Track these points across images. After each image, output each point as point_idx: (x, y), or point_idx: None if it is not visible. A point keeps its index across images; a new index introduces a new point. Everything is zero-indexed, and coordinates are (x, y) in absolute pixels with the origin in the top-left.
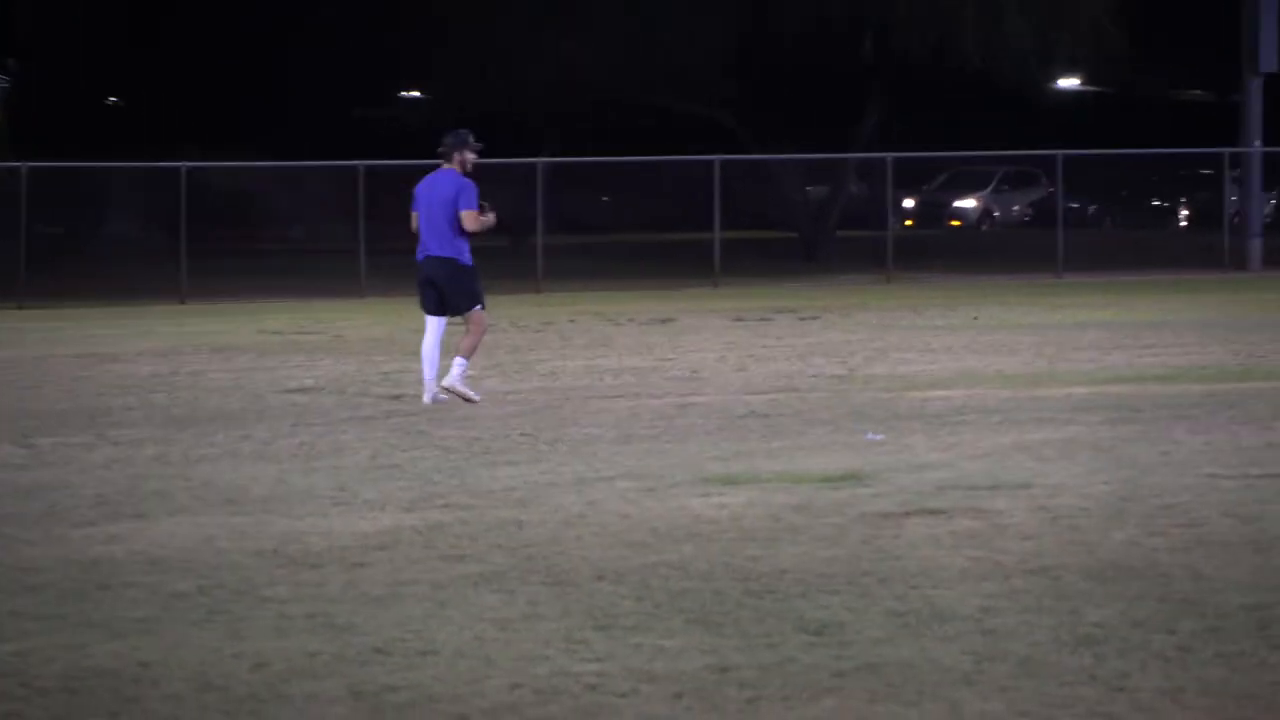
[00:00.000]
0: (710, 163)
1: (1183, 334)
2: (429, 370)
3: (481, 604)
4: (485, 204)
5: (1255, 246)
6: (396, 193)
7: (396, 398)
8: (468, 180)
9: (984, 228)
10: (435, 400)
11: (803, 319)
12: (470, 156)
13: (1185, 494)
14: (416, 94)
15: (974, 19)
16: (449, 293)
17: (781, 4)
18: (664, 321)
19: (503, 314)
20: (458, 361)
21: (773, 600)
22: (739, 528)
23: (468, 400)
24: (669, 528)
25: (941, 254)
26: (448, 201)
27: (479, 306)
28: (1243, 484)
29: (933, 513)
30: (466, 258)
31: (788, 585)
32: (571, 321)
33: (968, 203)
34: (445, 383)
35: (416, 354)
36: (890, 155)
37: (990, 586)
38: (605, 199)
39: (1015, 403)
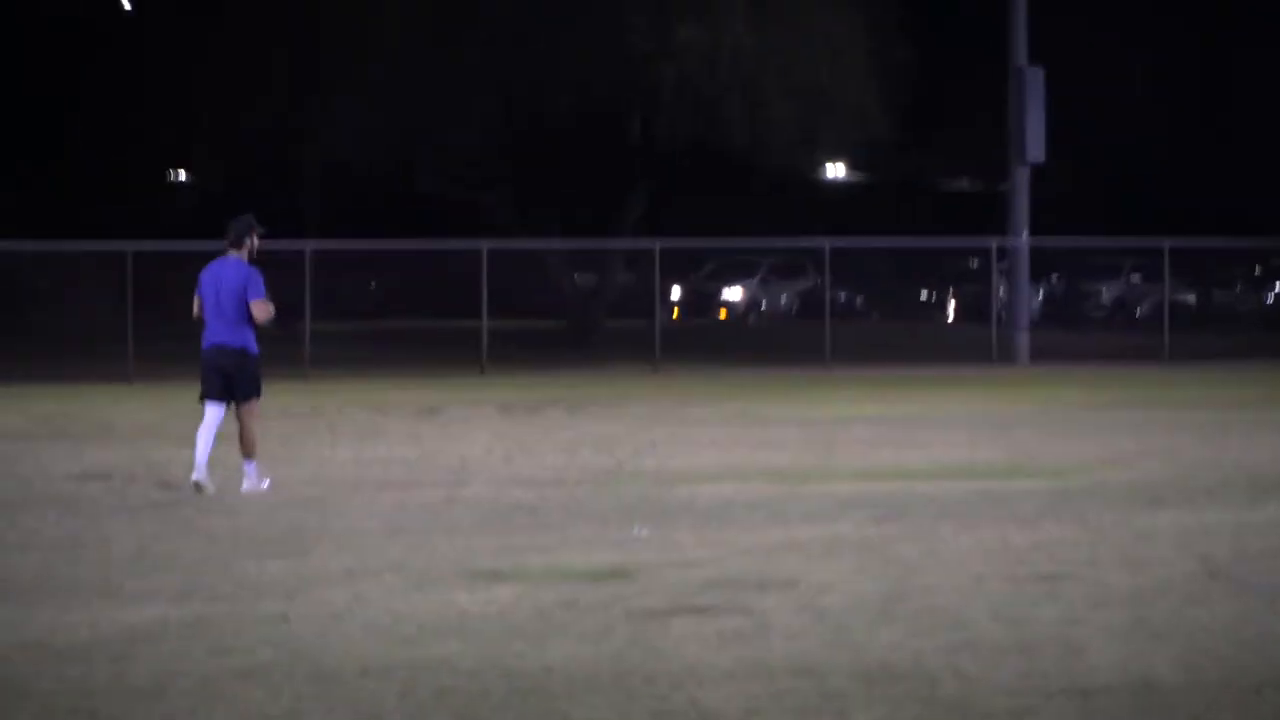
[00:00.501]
0: (478, 249)
1: (951, 430)
2: (202, 454)
3: (247, 698)
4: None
5: (1023, 340)
6: (166, 276)
7: (164, 487)
8: (254, 268)
9: (751, 319)
10: (200, 485)
11: (571, 410)
12: (256, 243)
13: (953, 594)
14: (183, 176)
15: (739, 106)
16: (238, 381)
17: (549, 91)
18: (431, 411)
19: (271, 402)
20: (249, 467)
21: (538, 699)
22: (506, 623)
23: (261, 489)
24: (436, 623)
25: (709, 345)
26: (236, 290)
27: (257, 397)
28: (1010, 585)
29: (699, 610)
30: (254, 346)
31: (553, 684)
32: (339, 410)
33: (735, 293)
34: (244, 490)
35: (185, 442)
36: (658, 243)
37: (756, 687)
38: (373, 285)
39: (783, 499)
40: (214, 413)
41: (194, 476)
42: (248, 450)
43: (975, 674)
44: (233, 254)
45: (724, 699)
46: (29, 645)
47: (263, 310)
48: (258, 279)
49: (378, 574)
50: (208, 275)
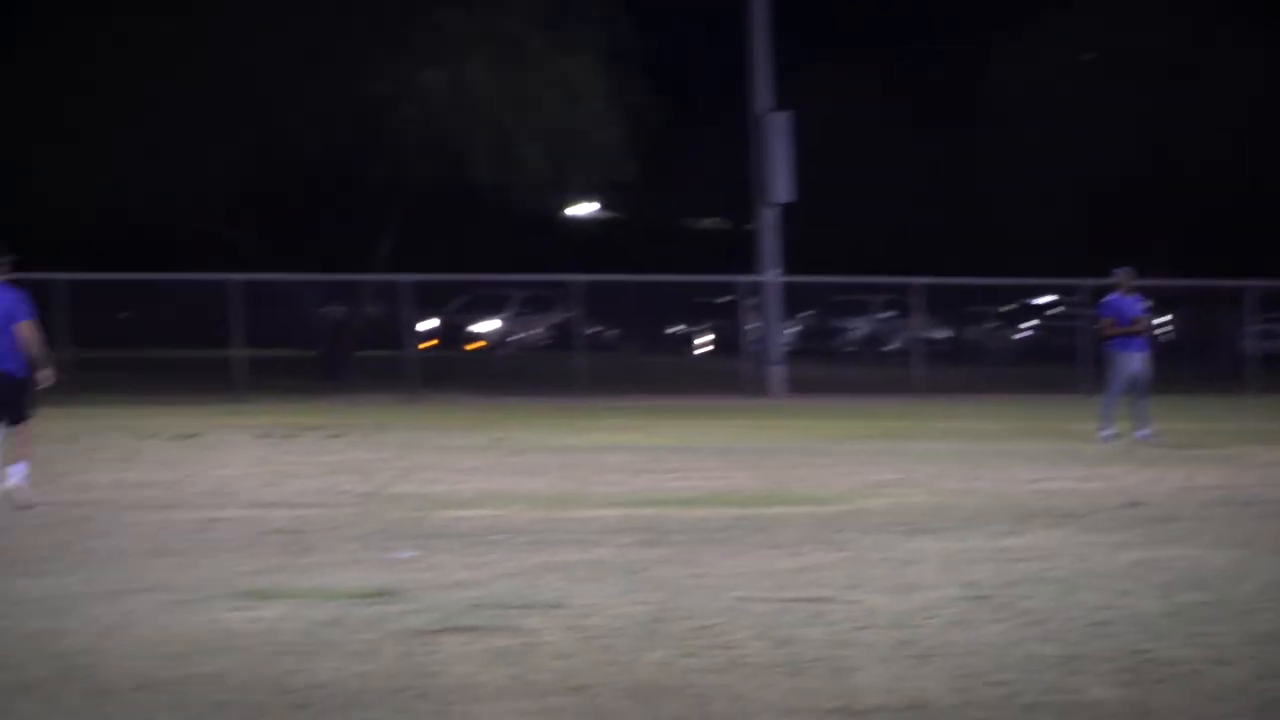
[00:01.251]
0: (224, 282)
1: (707, 459)
2: None
3: (21, 713)
4: None
5: (776, 373)
6: None
7: None
8: (18, 292)
9: (502, 351)
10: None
11: (329, 436)
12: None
13: (718, 616)
14: None
15: (485, 146)
16: (14, 403)
17: (296, 133)
18: (189, 437)
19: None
20: (20, 470)
21: (312, 713)
22: (274, 641)
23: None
24: (205, 640)
25: (465, 375)
26: (8, 316)
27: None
28: (776, 607)
29: (466, 630)
30: (26, 369)
31: (326, 699)
32: (97, 435)
33: (488, 325)
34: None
35: None
36: (407, 277)
37: (527, 704)
38: (124, 315)
39: (544, 524)
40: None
41: None
42: (25, 457)
43: (746, 692)
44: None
45: (497, 715)
46: None
47: (32, 330)
48: (25, 303)
49: (144, 592)
50: None
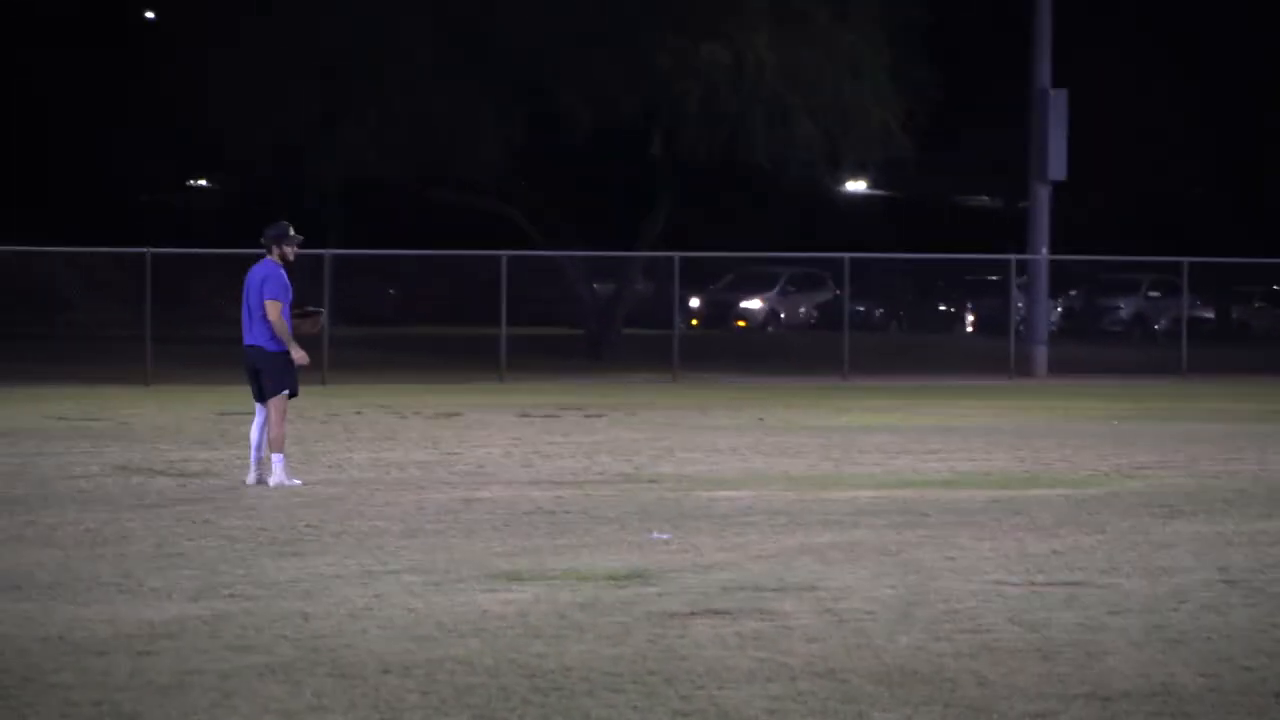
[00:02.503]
0: (498, 258)
1: (969, 439)
2: (253, 453)
3: (268, 695)
4: (310, 308)
5: (1040, 353)
6: (183, 279)
7: (183, 485)
8: (276, 269)
9: (770, 329)
10: (259, 481)
11: (589, 416)
12: (289, 250)
13: (971, 600)
14: (204, 182)
15: (763, 121)
16: (263, 378)
17: (572, 101)
18: (450, 415)
19: (289, 404)
20: (275, 459)
21: (558, 697)
22: (525, 624)
23: (294, 486)
24: (455, 622)
25: (727, 354)
26: (259, 291)
27: (284, 392)
28: (1028, 591)
29: (719, 613)
30: (275, 344)
31: (573, 683)
32: (358, 414)
33: (754, 303)
34: (273, 483)
35: (201, 442)
36: (677, 254)
37: (776, 688)
38: (392, 291)
39: (801, 505)
40: (258, 411)
41: (249, 478)
42: (274, 445)
43: (995, 678)
44: (267, 258)
45: (745, 700)
46: (50, 640)
47: (273, 310)
48: (274, 279)
49: (396, 574)
50: (249, 278)
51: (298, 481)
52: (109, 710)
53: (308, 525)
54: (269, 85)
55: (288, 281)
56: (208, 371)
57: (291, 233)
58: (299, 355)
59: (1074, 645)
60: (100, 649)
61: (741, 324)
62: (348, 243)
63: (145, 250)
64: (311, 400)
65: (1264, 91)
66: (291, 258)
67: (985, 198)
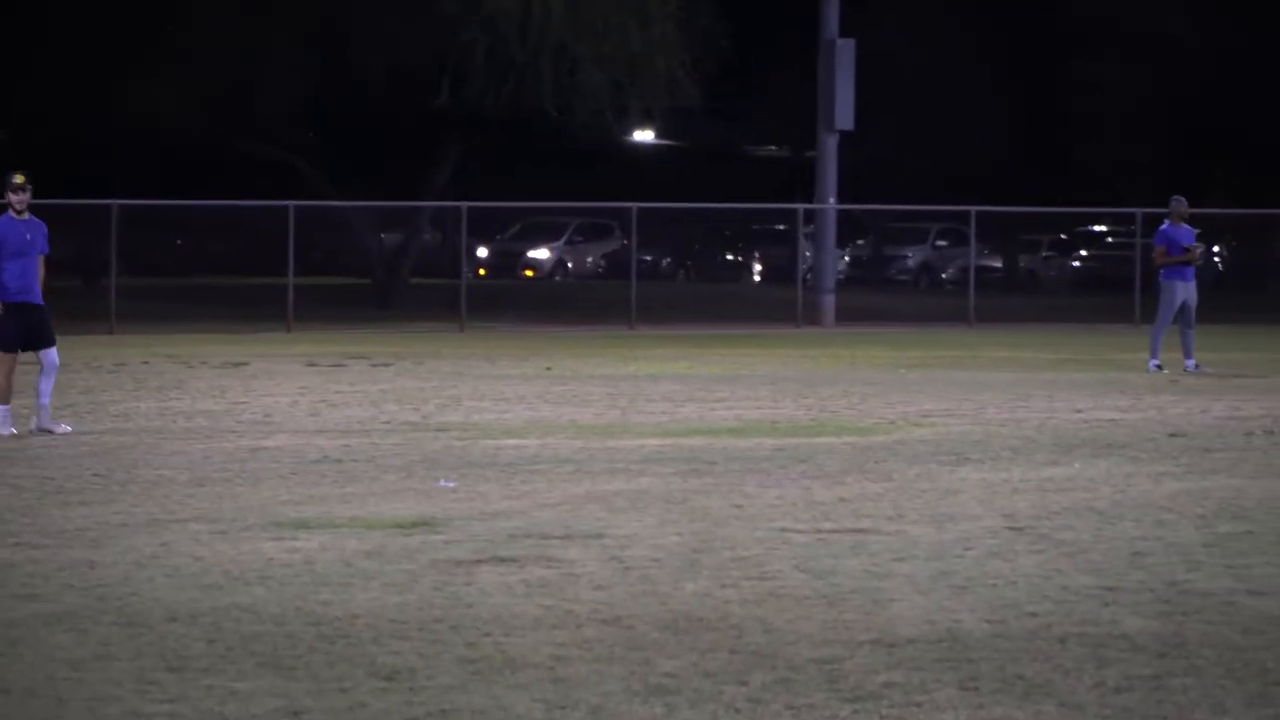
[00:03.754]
0: (285, 208)
1: (755, 388)
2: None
3: (53, 643)
4: None
5: (828, 302)
6: None
7: None
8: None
9: (558, 278)
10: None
11: (376, 365)
12: (15, 199)
13: (757, 547)
14: None
15: (549, 69)
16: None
17: (359, 49)
18: (237, 365)
19: (75, 355)
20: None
21: (345, 645)
22: (311, 572)
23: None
24: (241, 570)
25: (515, 304)
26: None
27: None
28: (815, 538)
29: (505, 561)
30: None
31: (360, 630)
32: (145, 363)
33: (541, 253)
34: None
35: None
36: (465, 204)
37: (562, 635)
38: (179, 241)
39: (588, 453)
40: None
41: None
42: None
43: (781, 624)
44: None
45: (531, 646)
46: None
47: None
48: None
49: (183, 522)
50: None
51: (63, 427)
52: None
53: (94, 474)
54: (61, 35)
55: (9, 232)
56: None
57: (18, 180)
58: None
59: (860, 592)
60: None
61: (529, 273)
62: (136, 193)
63: None
64: (99, 349)
65: (1057, 42)
66: (20, 207)
67: (773, 147)
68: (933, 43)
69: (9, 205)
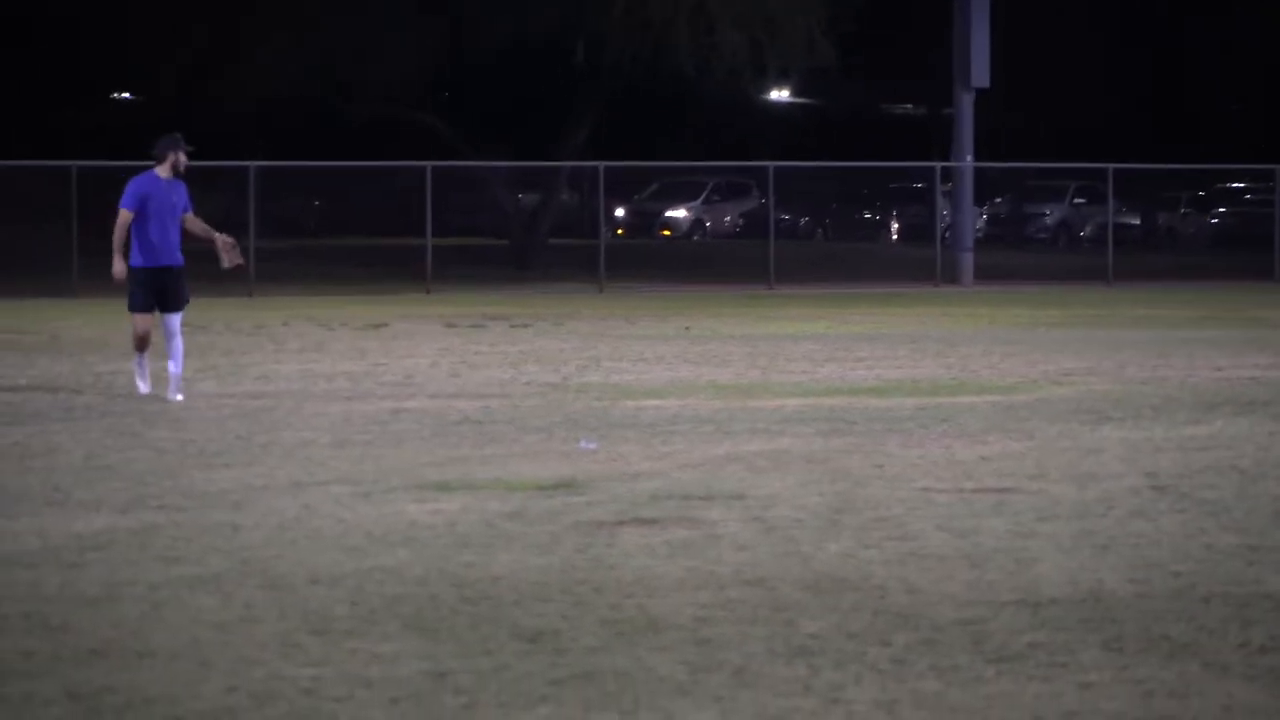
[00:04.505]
0: (422, 169)
1: (895, 347)
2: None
3: (197, 606)
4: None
5: (967, 261)
6: (107, 193)
7: (111, 399)
8: (141, 180)
9: (695, 238)
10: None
11: (515, 326)
12: (182, 159)
13: (899, 507)
14: (127, 95)
15: (687, 29)
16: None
17: (493, 11)
18: (377, 327)
19: (216, 316)
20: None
21: (488, 607)
22: (454, 534)
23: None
24: (384, 533)
25: (653, 264)
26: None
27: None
28: (956, 498)
29: (647, 522)
30: (135, 258)
31: (502, 592)
32: (284, 325)
33: (679, 212)
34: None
35: (129, 355)
36: (602, 164)
37: (705, 596)
38: (318, 203)
39: (728, 413)
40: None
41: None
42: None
43: (924, 585)
44: (150, 170)
45: (673, 608)
46: None
47: (119, 217)
48: (128, 191)
49: (325, 485)
50: (158, 190)
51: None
52: (38, 622)
53: (236, 436)
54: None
55: (145, 190)
56: None
57: (183, 143)
58: (116, 268)
59: (1003, 552)
60: (29, 561)
61: (667, 233)
62: (272, 155)
63: (71, 164)
64: (238, 312)
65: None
66: (183, 168)
67: (910, 106)
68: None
69: (174, 165)
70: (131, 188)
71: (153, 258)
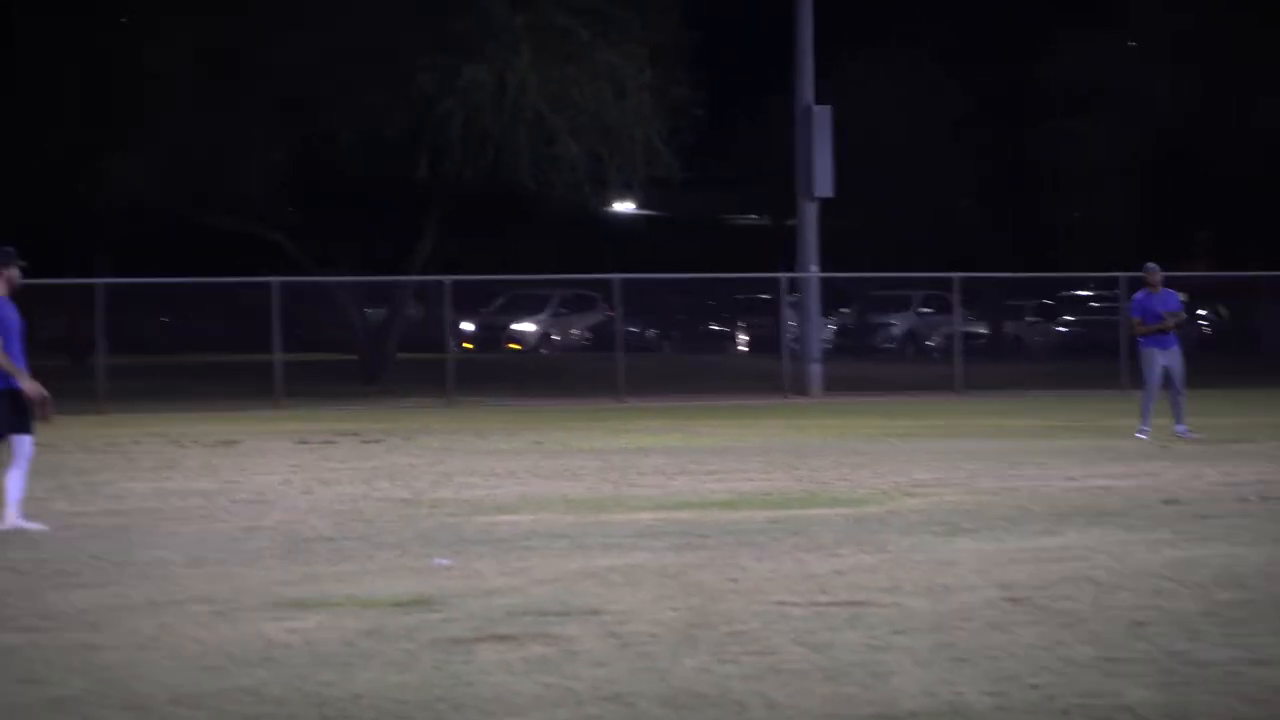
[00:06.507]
0: (268, 284)
1: (746, 459)
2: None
3: None
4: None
5: (815, 371)
6: None
7: None
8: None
9: (543, 351)
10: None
11: (366, 442)
12: (14, 274)
13: (755, 621)
14: None
15: (527, 142)
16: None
17: (335, 120)
18: (229, 444)
19: (66, 435)
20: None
21: None
22: (312, 652)
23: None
24: (242, 652)
25: (502, 378)
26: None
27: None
28: (811, 612)
29: (503, 638)
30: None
31: (362, 711)
32: (136, 443)
33: (526, 326)
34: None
35: None
36: (448, 278)
37: (564, 714)
38: (165, 320)
39: (581, 528)
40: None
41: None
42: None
43: (782, 699)
44: None
45: None
46: None
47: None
48: None
49: (182, 604)
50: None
51: (35, 525)
52: None
53: (91, 556)
54: (32, 112)
55: (5, 313)
56: None
57: (14, 258)
58: (30, 388)
59: (860, 665)
60: None
61: (515, 346)
62: (119, 270)
63: None
64: (89, 429)
65: (1037, 103)
66: (17, 284)
67: (754, 215)
68: (906, 107)
69: (8, 280)
70: None
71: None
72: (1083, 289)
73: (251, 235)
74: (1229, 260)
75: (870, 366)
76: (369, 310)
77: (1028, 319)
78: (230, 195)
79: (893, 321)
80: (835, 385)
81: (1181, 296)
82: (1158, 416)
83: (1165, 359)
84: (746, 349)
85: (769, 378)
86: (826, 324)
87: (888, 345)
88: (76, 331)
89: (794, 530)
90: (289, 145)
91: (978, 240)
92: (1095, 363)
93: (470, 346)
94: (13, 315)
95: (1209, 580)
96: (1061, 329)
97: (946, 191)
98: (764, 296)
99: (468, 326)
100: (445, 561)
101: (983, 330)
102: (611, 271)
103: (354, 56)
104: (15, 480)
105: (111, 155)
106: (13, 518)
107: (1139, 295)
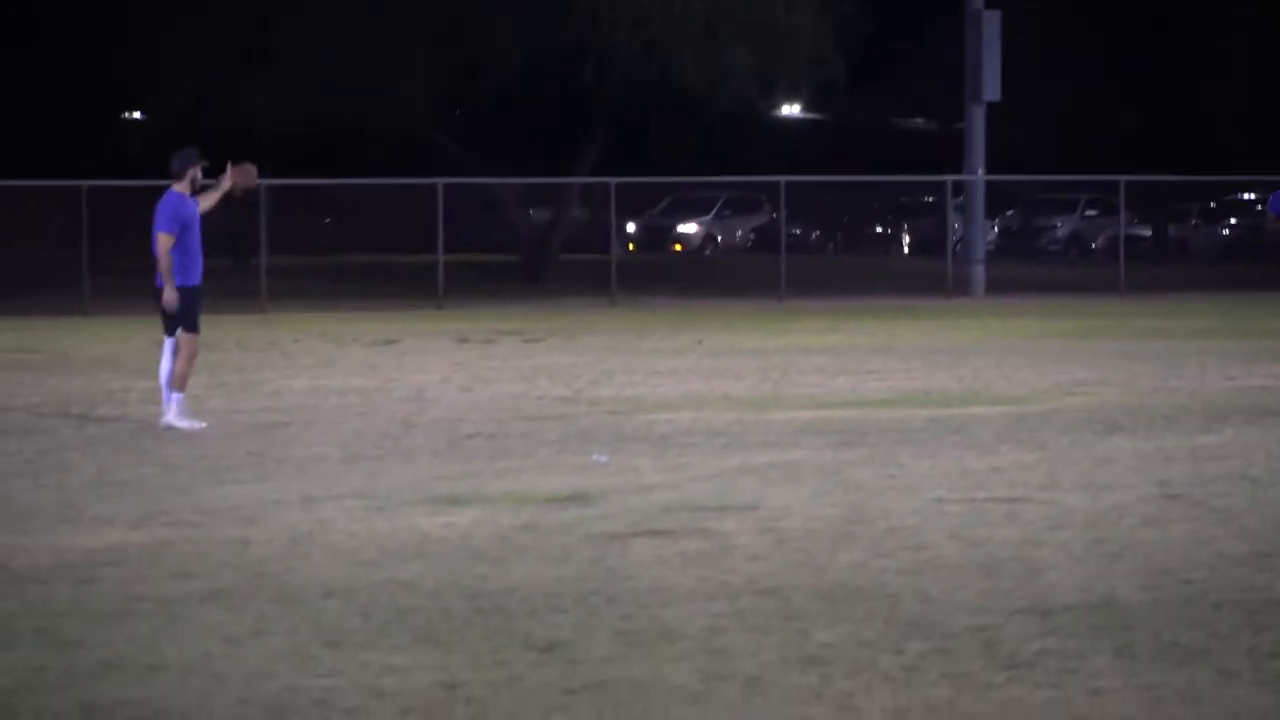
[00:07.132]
0: (433, 185)
1: (907, 359)
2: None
3: (209, 621)
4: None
5: (978, 273)
6: (118, 212)
7: (122, 416)
8: (169, 199)
9: (707, 252)
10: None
11: (527, 341)
12: (199, 175)
13: (912, 517)
14: (138, 115)
15: (695, 48)
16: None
17: (504, 31)
18: (388, 343)
19: (227, 334)
20: (173, 397)
21: (500, 618)
22: (466, 546)
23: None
24: (396, 546)
25: (665, 278)
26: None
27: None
28: (968, 508)
29: (659, 533)
30: (177, 279)
31: (515, 604)
32: (296, 342)
33: (690, 227)
34: (163, 423)
35: (140, 373)
36: (613, 180)
37: (718, 606)
38: (328, 220)
39: (740, 426)
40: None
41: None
42: (174, 382)
43: (936, 594)
44: (170, 189)
45: (686, 618)
46: None
47: (160, 243)
48: (163, 211)
49: (337, 499)
50: (189, 209)
51: (198, 424)
52: (51, 638)
53: (248, 452)
54: (197, 25)
55: (182, 211)
56: (144, 302)
57: (198, 158)
58: (169, 296)
59: (1015, 560)
60: (42, 577)
61: (678, 248)
62: (283, 173)
63: (81, 183)
64: (250, 328)
65: (1197, 11)
66: (199, 184)
67: (920, 119)
68: (1078, 11)
69: (193, 180)
70: (167, 210)
71: (198, 275)
72: (1248, 192)
73: (419, 139)
74: None
75: (1034, 268)
76: (534, 212)
77: (1192, 222)
78: (395, 105)
79: (1057, 224)
80: (998, 287)
81: None
82: None
83: None
84: (910, 251)
85: (932, 279)
86: (991, 226)
87: (1052, 247)
88: (241, 232)
89: (954, 428)
90: (451, 66)
91: (1142, 143)
92: (1259, 265)
93: (634, 248)
94: (193, 212)
95: None
96: (1225, 232)
97: (1108, 95)
98: (929, 199)
99: (632, 228)
100: (604, 458)
101: (1147, 233)
102: (777, 174)
103: None
104: (166, 371)
105: (274, 69)
106: (172, 415)
107: (1277, 193)
